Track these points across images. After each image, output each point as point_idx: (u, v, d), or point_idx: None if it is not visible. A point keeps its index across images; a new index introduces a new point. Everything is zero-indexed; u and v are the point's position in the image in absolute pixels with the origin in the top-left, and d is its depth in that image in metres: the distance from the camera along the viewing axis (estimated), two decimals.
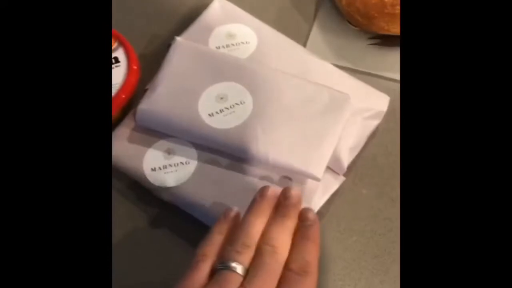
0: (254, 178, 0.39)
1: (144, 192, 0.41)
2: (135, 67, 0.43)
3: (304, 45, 0.49)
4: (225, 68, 0.42)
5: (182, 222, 0.40)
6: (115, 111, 0.42)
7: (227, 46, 0.46)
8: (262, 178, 0.39)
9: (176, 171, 0.40)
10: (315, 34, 0.50)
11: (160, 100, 0.41)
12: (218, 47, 0.46)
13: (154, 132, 0.41)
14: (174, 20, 0.51)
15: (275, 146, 0.39)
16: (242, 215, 0.35)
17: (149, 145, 0.41)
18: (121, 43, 0.44)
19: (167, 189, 0.39)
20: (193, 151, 0.41)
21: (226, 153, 0.40)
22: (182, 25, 0.49)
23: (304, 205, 0.39)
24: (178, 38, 0.45)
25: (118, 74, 0.42)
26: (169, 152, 0.41)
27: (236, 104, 0.40)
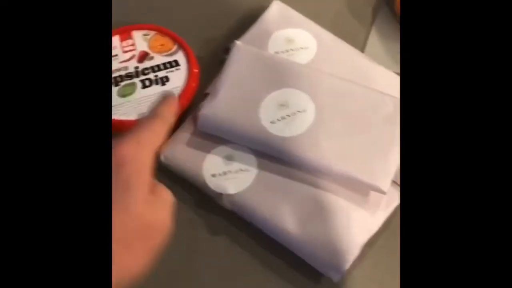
0: (316, 188, 0.38)
1: (203, 198, 0.41)
2: (195, 70, 0.43)
3: (362, 50, 0.48)
4: (286, 74, 0.42)
5: (241, 230, 0.40)
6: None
7: (286, 51, 0.45)
8: (324, 188, 0.38)
9: (236, 178, 0.40)
10: (373, 40, 0.49)
11: (222, 106, 0.41)
12: (277, 52, 0.45)
13: (213, 137, 0.41)
14: (230, 22, 0.50)
15: (339, 156, 0.38)
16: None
17: (208, 150, 0.41)
18: (181, 46, 0.44)
19: (228, 196, 0.39)
20: (252, 158, 0.40)
21: (287, 161, 0.39)
22: (238, 28, 0.49)
23: (367, 219, 0.38)
24: (238, 42, 0.44)
25: (178, 78, 0.42)
26: (229, 158, 0.41)
27: (298, 111, 0.40)
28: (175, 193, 0.42)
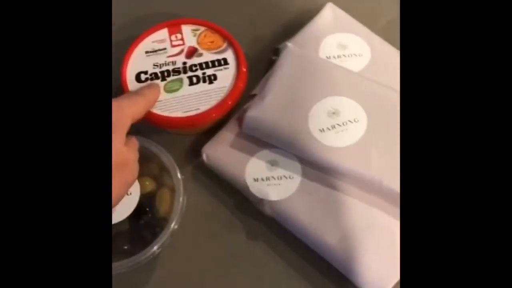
0: (361, 202, 0.37)
1: (243, 201, 0.40)
2: (244, 70, 0.41)
3: None
4: (338, 81, 0.40)
5: (279, 237, 0.39)
6: (219, 117, 0.41)
7: (338, 56, 0.44)
8: (371, 203, 0.37)
9: (279, 184, 0.38)
10: None
11: (269, 109, 0.40)
12: (329, 57, 0.44)
13: (257, 141, 0.40)
14: (280, 23, 0.49)
15: (390, 171, 0.36)
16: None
17: (252, 153, 0.40)
18: (230, 44, 0.43)
19: (269, 202, 0.38)
20: (297, 166, 0.39)
21: (333, 172, 0.38)
22: (287, 29, 0.48)
23: None
24: (289, 44, 0.43)
25: (227, 77, 0.41)
26: (273, 163, 0.39)
27: (349, 121, 0.38)
28: (215, 194, 0.41)
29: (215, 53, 0.42)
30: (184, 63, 0.42)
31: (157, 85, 0.40)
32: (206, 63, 0.42)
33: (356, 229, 0.36)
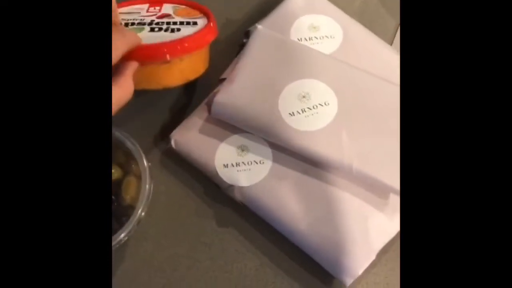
0: (332, 186, 0.37)
1: (212, 187, 0.39)
2: (211, 24, 0.39)
3: (391, 43, 0.45)
4: (309, 64, 0.39)
5: (250, 223, 0.38)
6: (171, 55, 0.37)
7: (310, 39, 0.43)
8: (342, 187, 0.36)
9: (249, 170, 0.38)
10: None
11: (238, 94, 0.38)
12: (300, 39, 0.42)
13: (227, 126, 0.39)
14: (251, 4, 0.48)
15: (361, 155, 0.36)
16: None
17: (222, 139, 0.39)
18: (205, 14, 0.41)
19: (239, 188, 0.37)
20: (268, 150, 0.38)
21: (304, 157, 0.37)
22: (260, 12, 0.47)
23: (385, 223, 0.36)
24: (259, 27, 0.42)
25: (191, 31, 0.38)
26: (243, 148, 0.39)
27: (320, 104, 0.38)
28: (184, 180, 0.40)
29: (188, 18, 0.41)
30: (152, 20, 0.40)
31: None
32: (175, 22, 0.40)
33: (328, 215, 0.36)
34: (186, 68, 0.39)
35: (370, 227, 0.35)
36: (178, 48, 0.36)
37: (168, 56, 0.36)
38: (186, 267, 0.37)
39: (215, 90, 0.40)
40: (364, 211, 0.36)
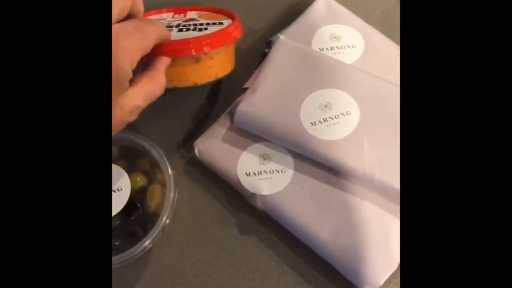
0: (354, 195, 0.37)
1: (235, 195, 0.40)
2: (237, 23, 0.40)
3: None
4: (331, 74, 0.40)
5: (271, 232, 0.39)
6: (198, 50, 0.37)
7: (331, 48, 0.43)
8: (364, 197, 0.37)
9: (271, 178, 0.38)
10: None
11: (260, 103, 0.39)
12: (322, 49, 0.43)
13: (249, 135, 0.40)
14: (272, 15, 0.48)
15: (382, 164, 0.36)
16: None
17: (244, 147, 0.40)
18: (231, 17, 0.42)
19: (261, 197, 0.38)
20: (289, 159, 0.39)
21: (325, 166, 0.37)
22: (281, 21, 0.47)
23: None
24: (281, 37, 0.42)
25: (217, 29, 0.39)
26: (265, 157, 0.39)
27: (342, 114, 0.38)
28: (207, 188, 0.41)
29: (213, 21, 0.41)
30: (179, 24, 0.41)
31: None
32: (201, 23, 0.40)
33: (349, 224, 0.36)
34: (215, 65, 0.39)
35: (392, 237, 0.35)
36: (204, 42, 0.37)
37: (193, 51, 0.37)
38: (208, 274, 0.38)
39: (237, 100, 0.41)
40: (385, 220, 0.36)
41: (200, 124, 0.43)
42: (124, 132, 0.38)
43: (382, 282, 0.35)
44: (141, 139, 0.38)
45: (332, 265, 0.36)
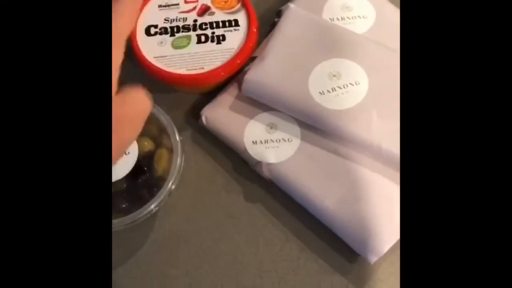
0: (360, 165, 0.37)
1: (241, 163, 0.40)
2: (254, 30, 0.40)
3: None
4: (340, 43, 0.39)
5: (277, 200, 0.39)
6: (226, 77, 0.40)
7: (342, 19, 0.42)
8: (370, 167, 0.37)
9: (277, 147, 0.38)
10: None
11: (269, 72, 0.39)
12: (332, 19, 0.42)
13: (257, 104, 0.40)
14: None
15: (390, 135, 0.36)
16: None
17: (251, 116, 0.40)
18: (244, 5, 0.42)
19: (267, 165, 0.38)
20: (296, 129, 0.39)
21: (332, 135, 0.37)
22: None
23: None
24: (291, 5, 0.42)
25: (236, 39, 0.40)
26: (272, 126, 0.39)
27: (350, 84, 0.38)
28: (213, 156, 0.41)
29: (228, 13, 0.41)
30: (195, 20, 0.41)
31: None
32: (217, 22, 0.41)
33: (355, 193, 0.36)
34: None
35: (397, 207, 0.35)
36: (226, 71, 0.40)
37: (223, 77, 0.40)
38: (213, 239, 0.38)
39: (246, 68, 0.41)
40: (391, 191, 0.36)
41: (208, 93, 0.43)
42: None
43: (385, 251, 0.35)
44: None
45: (336, 234, 0.37)
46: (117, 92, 0.26)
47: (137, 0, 0.28)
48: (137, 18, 0.27)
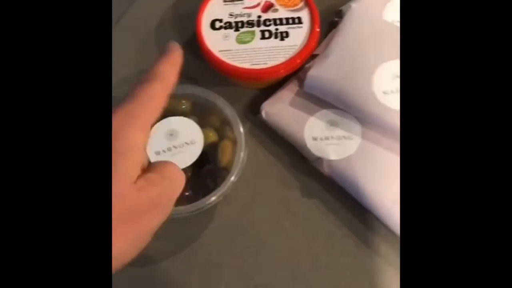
0: None
1: (298, 159, 0.41)
2: (317, 30, 0.41)
3: None
4: None
5: (334, 196, 0.40)
6: (285, 74, 0.41)
7: None
8: None
9: (338, 144, 0.39)
10: None
11: (332, 69, 0.39)
12: (394, 21, 0.43)
13: (317, 100, 0.40)
14: None
15: None
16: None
17: (311, 113, 0.40)
18: (307, 3, 0.43)
19: (328, 161, 0.38)
20: (357, 127, 0.39)
21: (394, 135, 0.38)
22: None
23: None
24: (354, 5, 0.42)
25: (299, 36, 0.41)
26: (332, 123, 0.40)
27: None
28: (271, 151, 0.42)
29: (291, 10, 0.42)
30: (259, 16, 0.42)
31: (178, 52, 0.29)
32: (281, 19, 0.42)
33: None
34: None
35: None
36: (289, 68, 0.41)
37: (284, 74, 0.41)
38: (270, 232, 0.39)
39: (306, 65, 0.42)
40: None
41: (269, 87, 0.43)
42: (197, 89, 0.40)
43: None
44: (214, 97, 0.39)
45: (393, 232, 0.37)
46: (148, 167, 0.25)
47: (168, 87, 0.28)
48: (165, 105, 0.27)
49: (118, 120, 0.24)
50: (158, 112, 0.26)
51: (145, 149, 0.25)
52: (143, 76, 0.27)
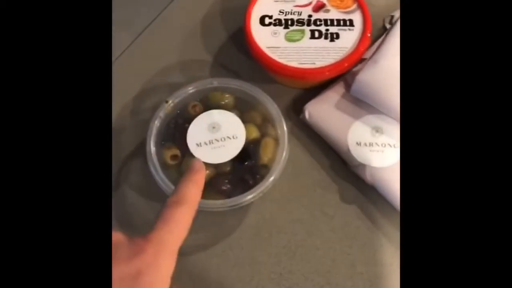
0: None
1: (339, 163, 0.40)
2: (368, 35, 0.41)
3: None
4: None
5: (373, 204, 0.39)
6: (332, 76, 0.40)
7: None
8: None
9: (382, 151, 0.38)
10: None
11: (381, 74, 0.39)
12: None
13: (363, 105, 0.40)
14: None
15: None
16: None
17: (356, 117, 0.40)
18: (360, 6, 0.42)
19: (370, 168, 0.38)
20: None
21: None
22: None
23: None
24: None
25: (349, 39, 0.40)
26: (377, 130, 0.39)
27: None
28: (311, 152, 0.41)
29: (343, 12, 0.42)
30: (310, 15, 0.42)
31: (202, 172, 0.31)
32: (332, 20, 0.41)
33: None
34: None
35: None
36: (336, 70, 0.40)
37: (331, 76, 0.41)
38: (306, 233, 0.38)
39: (354, 69, 0.41)
40: None
41: (313, 88, 0.43)
42: (241, 83, 0.39)
43: None
44: (259, 92, 0.39)
45: None
46: None
47: (193, 209, 0.29)
48: (189, 229, 0.29)
49: (152, 248, 0.25)
50: (184, 235, 0.28)
51: (170, 277, 0.26)
52: (171, 199, 0.29)
